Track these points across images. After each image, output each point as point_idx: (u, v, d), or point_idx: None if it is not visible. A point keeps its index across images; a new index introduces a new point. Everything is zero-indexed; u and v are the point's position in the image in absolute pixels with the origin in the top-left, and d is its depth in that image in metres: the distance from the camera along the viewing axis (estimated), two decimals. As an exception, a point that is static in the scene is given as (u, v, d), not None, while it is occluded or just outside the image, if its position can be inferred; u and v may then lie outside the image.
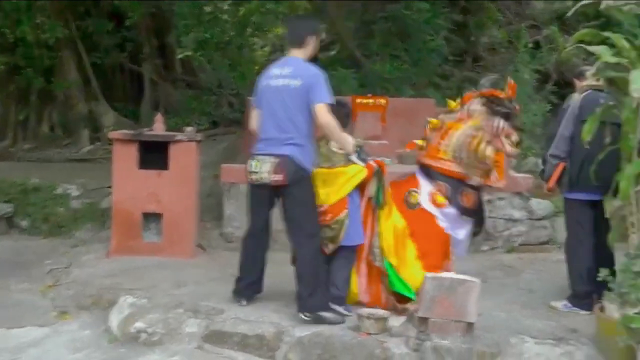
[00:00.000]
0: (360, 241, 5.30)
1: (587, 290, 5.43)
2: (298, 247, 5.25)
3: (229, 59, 10.56)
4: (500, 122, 5.33)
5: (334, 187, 5.19)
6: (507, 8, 14.57)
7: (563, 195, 5.75)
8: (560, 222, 7.86)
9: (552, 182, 5.56)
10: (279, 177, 4.99)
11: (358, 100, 8.53)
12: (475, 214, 5.49)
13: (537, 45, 12.64)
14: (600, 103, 5.16)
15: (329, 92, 5.03)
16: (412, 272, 5.27)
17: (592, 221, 5.56)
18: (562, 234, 7.74)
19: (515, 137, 5.38)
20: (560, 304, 5.62)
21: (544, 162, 5.74)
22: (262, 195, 5.19)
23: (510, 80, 5.52)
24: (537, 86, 11.46)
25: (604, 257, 5.36)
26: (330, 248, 5.24)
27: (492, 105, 5.36)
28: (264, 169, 5.02)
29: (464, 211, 5.40)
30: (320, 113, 4.94)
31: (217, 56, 10.36)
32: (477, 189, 5.46)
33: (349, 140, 5.16)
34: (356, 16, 13.65)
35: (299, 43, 5.20)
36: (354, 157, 5.19)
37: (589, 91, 5.40)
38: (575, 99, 5.45)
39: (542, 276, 6.72)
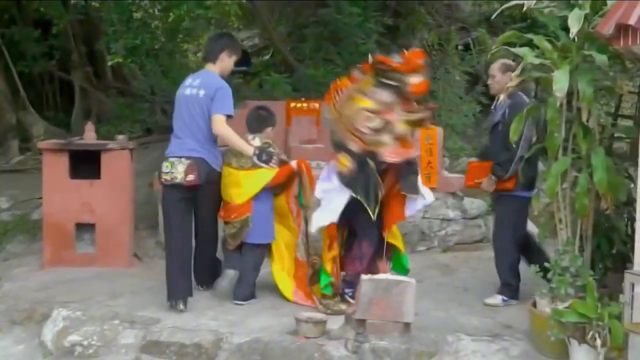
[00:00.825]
0: (268, 240, 5.69)
1: (518, 282, 5.73)
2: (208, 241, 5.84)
3: (160, 65, 10.43)
4: (386, 95, 5.22)
5: (242, 189, 5.57)
6: (437, 11, 14.79)
7: (511, 194, 5.67)
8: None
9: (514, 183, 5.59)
10: (191, 178, 5.36)
11: (292, 105, 8.53)
12: (350, 183, 5.29)
13: (467, 47, 12.86)
14: (526, 102, 5.33)
15: (229, 105, 5.55)
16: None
17: (524, 218, 5.79)
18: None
19: (415, 114, 5.28)
20: (498, 300, 5.73)
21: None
22: (175, 196, 5.48)
23: (406, 52, 5.37)
24: (467, 87, 11.68)
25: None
26: (231, 244, 5.68)
27: (378, 74, 5.27)
28: (177, 170, 5.40)
29: (339, 176, 5.33)
30: (215, 123, 5.48)
31: (149, 63, 10.23)
32: (359, 157, 5.27)
33: (245, 147, 5.57)
34: (288, 21, 13.70)
35: (213, 59, 5.75)
36: (255, 160, 5.54)
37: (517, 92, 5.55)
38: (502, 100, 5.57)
39: (476, 274, 6.84)
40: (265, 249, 5.75)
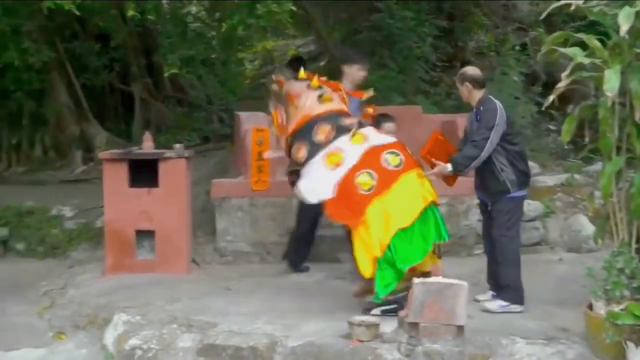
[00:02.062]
0: None
1: (520, 286, 5.63)
2: None
3: (216, 74, 10.64)
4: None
5: None
6: (494, 12, 14.67)
7: (509, 195, 5.58)
8: (552, 222, 8.00)
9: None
10: None
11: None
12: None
13: (524, 47, 12.72)
14: (491, 108, 5.50)
15: None
16: None
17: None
18: (553, 234, 7.87)
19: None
20: (496, 305, 5.62)
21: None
22: None
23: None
24: (524, 88, 11.55)
25: None
26: None
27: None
28: None
29: None
30: None
31: (204, 72, 10.44)
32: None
33: None
34: (342, 27, 13.78)
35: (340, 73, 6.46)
36: None
37: (489, 97, 5.64)
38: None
39: (534, 277, 6.72)
40: None
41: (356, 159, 5.40)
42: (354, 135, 5.52)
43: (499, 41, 13.74)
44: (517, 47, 12.63)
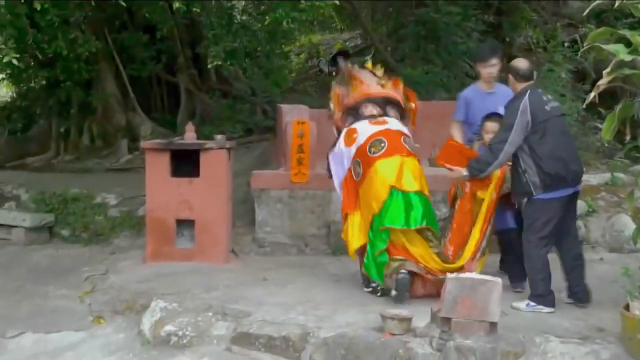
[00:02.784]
0: None
1: (548, 289, 5.52)
2: None
3: (260, 67, 10.70)
4: None
5: None
6: (543, 7, 14.47)
7: (533, 197, 5.49)
8: (594, 222, 7.88)
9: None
10: None
11: (388, 105, 8.58)
12: None
13: (574, 44, 12.51)
14: (543, 101, 5.38)
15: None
16: None
17: (556, 221, 5.51)
18: (595, 234, 7.75)
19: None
20: (523, 304, 5.56)
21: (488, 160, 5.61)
22: None
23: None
24: (573, 85, 11.37)
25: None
26: None
27: None
28: None
29: None
30: None
31: (248, 65, 10.51)
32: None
33: None
34: (389, 21, 13.74)
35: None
36: None
37: (527, 92, 5.47)
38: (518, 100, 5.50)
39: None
40: None
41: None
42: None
43: (548, 37, 13.55)
44: (567, 44, 12.44)
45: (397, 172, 5.72)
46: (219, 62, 8.11)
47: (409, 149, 5.90)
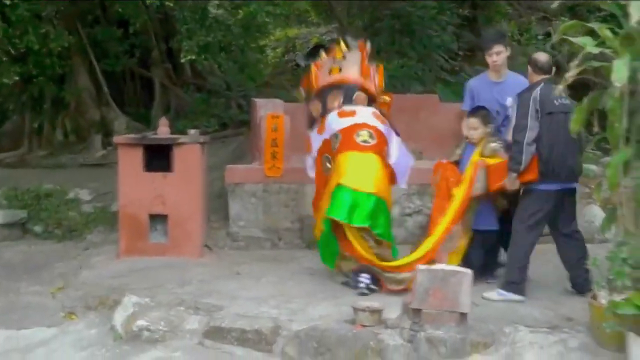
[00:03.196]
0: None
1: (523, 277, 5.63)
2: None
3: (235, 61, 10.67)
4: None
5: None
6: (518, 1, 14.56)
7: (528, 187, 5.63)
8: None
9: (535, 172, 5.51)
10: None
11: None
12: None
13: (548, 37, 12.62)
14: (555, 96, 5.32)
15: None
16: None
17: (549, 212, 5.62)
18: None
19: None
20: (494, 294, 5.62)
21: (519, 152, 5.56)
22: None
23: None
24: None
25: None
26: None
27: None
28: None
29: None
30: None
31: (222, 59, 10.48)
32: None
33: None
34: (365, 14, 13.75)
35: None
36: None
37: (542, 83, 5.52)
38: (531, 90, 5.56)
39: (547, 267, 6.71)
40: None
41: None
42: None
43: (522, 30, 13.65)
44: (540, 37, 12.54)
45: (349, 169, 5.79)
46: (193, 57, 8.08)
47: (363, 144, 5.89)
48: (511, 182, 5.60)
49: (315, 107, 6.27)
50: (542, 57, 5.73)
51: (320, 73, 6.32)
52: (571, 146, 5.52)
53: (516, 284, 5.58)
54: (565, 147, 5.48)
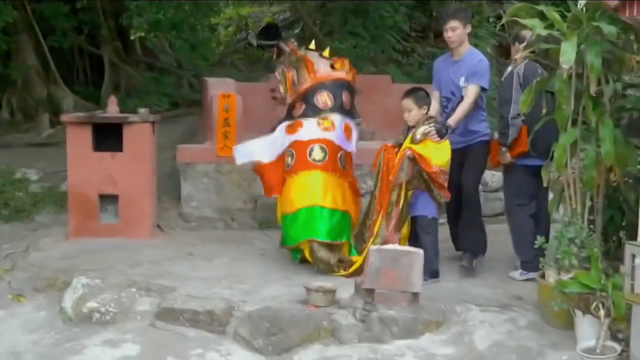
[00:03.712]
0: None
1: (535, 254, 5.46)
2: None
3: (185, 40, 10.55)
4: None
5: None
6: (471, -17, 14.63)
7: (517, 162, 5.71)
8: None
9: (524, 145, 5.48)
10: None
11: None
12: None
13: (499, 19, 12.69)
14: (538, 73, 5.31)
15: None
16: None
17: (535, 188, 5.68)
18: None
19: None
20: (517, 274, 5.75)
21: (506, 126, 5.62)
22: None
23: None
24: (497, 60, 11.58)
25: (544, 224, 5.61)
26: None
27: None
28: None
29: None
30: None
31: (174, 37, 10.36)
32: None
33: None
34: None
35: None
36: None
37: (526, 60, 5.53)
38: (516, 66, 5.58)
39: (496, 247, 6.79)
40: None
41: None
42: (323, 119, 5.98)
43: (473, 12, 13.70)
44: (491, 19, 12.63)
45: (320, 188, 5.80)
46: (143, 34, 7.95)
47: (338, 167, 5.95)
48: (503, 156, 5.69)
49: (299, 106, 6.13)
50: (527, 34, 5.58)
51: (317, 69, 6.15)
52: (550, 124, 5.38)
53: (530, 262, 5.56)
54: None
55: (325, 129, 5.92)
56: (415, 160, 5.46)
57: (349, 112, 6.15)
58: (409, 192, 5.60)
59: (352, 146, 6.10)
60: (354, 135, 6.16)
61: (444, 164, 5.53)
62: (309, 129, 5.93)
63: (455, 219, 6.21)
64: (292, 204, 5.81)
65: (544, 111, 5.12)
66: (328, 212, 5.75)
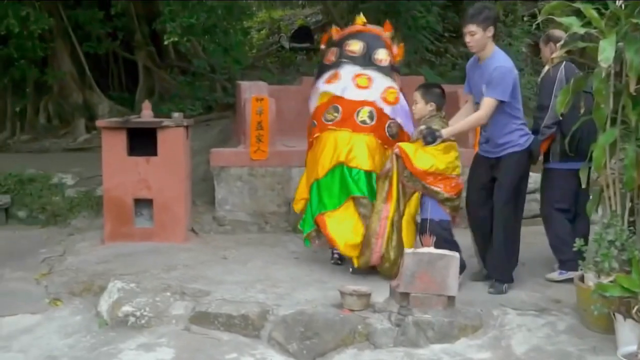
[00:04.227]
0: None
1: (574, 253, 5.28)
2: None
3: (219, 43, 10.57)
4: None
5: None
6: (505, -19, 14.49)
7: (549, 166, 5.76)
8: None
9: (542, 149, 5.56)
10: None
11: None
12: None
13: (533, 17, 12.56)
14: (577, 73, 5.22)
15: None
16: None
17: (576, 191, 5.58)
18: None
19: None
20: (556, 274, 5.67)
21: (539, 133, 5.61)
22: None
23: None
24: (532, 59, 11.47)
25: (583, 226, 5.51)
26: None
27: None
28: None
29: None
30: None
31: (206, 41, 10.39)
32: None
33: None
34: (350, -4, 13.66)
35: None
36: None
37: (563, 62, 5.43)
38: (552, 68, 5.48)
39: (533, 249, 6.71)
40: None
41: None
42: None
43: (507, 11, 13.58)
44: (526, 18, 12.50)
45: (347, 147, 5.71)
46: (176, 39, 7.98)
47: (361, 124, 5.79)
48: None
49: (332, 52, 6.11)
50: (559, 33, 5.56)
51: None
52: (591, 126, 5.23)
53: (570, 260, 5.41)
54: (587, 126, 5.23)
55: (360, 87, 5.85)
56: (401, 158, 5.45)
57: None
58: (413, 194, 5.56)
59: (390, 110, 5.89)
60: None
61: (429, 167, 5.37)
62: (345, 79, 5.90)
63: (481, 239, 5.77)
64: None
65: (581, 111, 5.01)
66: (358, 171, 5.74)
